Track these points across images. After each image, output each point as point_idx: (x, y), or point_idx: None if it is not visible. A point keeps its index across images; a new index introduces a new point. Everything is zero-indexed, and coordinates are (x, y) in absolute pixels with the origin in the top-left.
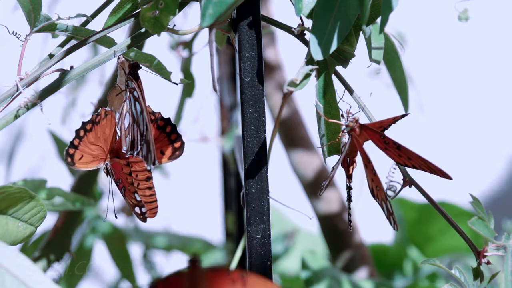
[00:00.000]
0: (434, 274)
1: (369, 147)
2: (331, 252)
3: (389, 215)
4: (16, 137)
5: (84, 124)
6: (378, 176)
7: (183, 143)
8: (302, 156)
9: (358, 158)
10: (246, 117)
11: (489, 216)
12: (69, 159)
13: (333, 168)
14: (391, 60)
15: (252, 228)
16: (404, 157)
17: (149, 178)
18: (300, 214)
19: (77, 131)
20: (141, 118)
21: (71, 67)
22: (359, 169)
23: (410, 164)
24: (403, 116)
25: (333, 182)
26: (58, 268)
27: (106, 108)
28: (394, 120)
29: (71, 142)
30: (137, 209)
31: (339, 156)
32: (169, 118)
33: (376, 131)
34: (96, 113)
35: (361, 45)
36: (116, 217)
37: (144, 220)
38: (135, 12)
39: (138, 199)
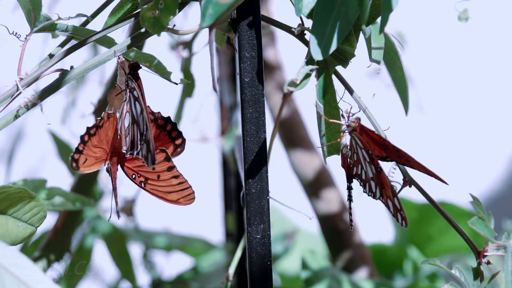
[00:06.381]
0: (434, 274)
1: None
2: (331, 252)
3: (397, 211)
4: (16, 137)
5: (88, 129)
6: (384, 173)
7: (184, 140)
8: (302, 156)
9: None
10: (246, 117)
11: (489, 216)
12: (74, 164)
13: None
14: (391, 60)
15: (252, 228)
16: (403, 158)
17: (171, 168)
18: (300, 214)
19: (82, 137)
20: (141, 118)
21: (71, 67)
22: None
23: (409, 164)
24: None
25: (333, 182)
26: (58, 268)
27: (109, 111)
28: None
29: (77, 148)
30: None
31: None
32: (169, 117)
33: (376, 133)
34: (99, 118)
35: (361, 45)
36: (119, 216)
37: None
38: (135, 12)
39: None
